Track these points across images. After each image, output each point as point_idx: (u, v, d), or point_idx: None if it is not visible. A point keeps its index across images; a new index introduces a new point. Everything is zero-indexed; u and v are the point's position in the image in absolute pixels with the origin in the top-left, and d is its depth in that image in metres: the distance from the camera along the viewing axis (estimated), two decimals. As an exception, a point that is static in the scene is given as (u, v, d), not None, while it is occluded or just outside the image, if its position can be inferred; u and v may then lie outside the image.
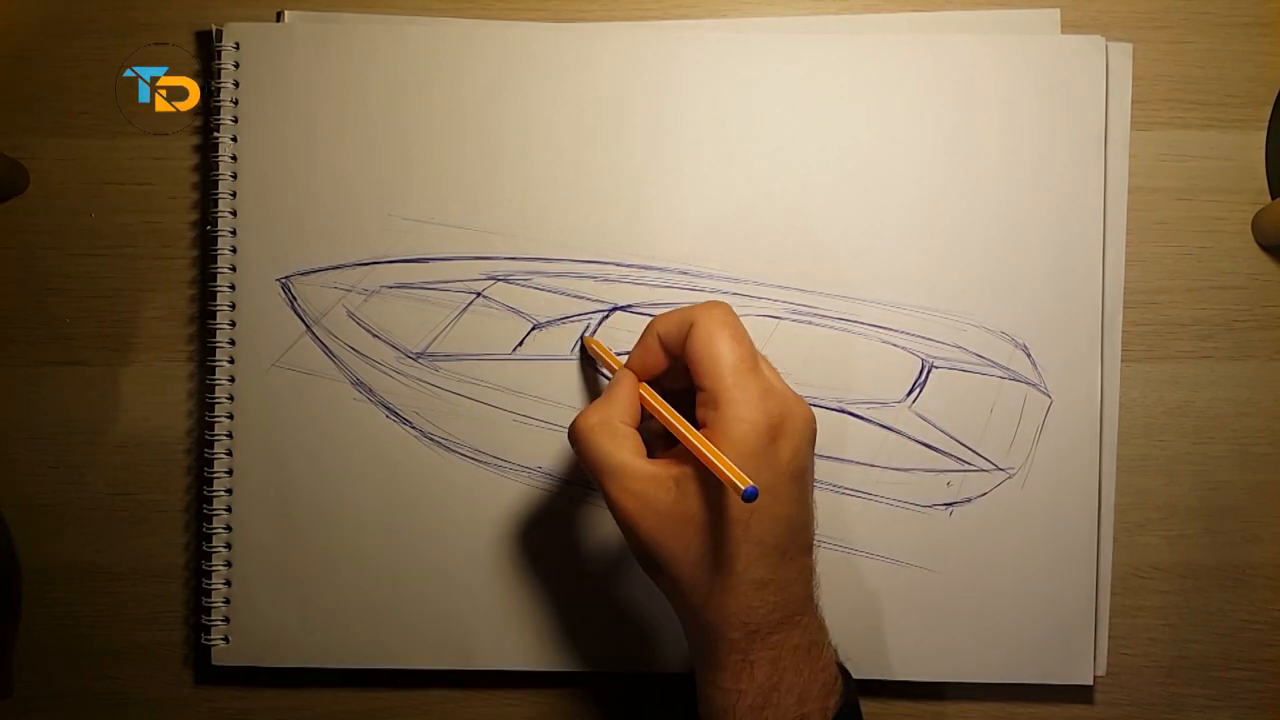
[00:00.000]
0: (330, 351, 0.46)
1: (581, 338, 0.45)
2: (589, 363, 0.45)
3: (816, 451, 0.43)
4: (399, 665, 0.46)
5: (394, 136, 0.46)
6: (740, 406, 0.35)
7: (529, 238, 0.46)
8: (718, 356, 0.36)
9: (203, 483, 0.46)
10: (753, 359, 0.36)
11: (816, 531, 0.44)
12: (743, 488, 0.32)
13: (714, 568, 0.35)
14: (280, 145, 0.46)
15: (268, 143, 0.46)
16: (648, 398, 0.39)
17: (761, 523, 0.35)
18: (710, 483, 0.35)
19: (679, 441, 0.36)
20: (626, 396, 0.39)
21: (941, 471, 0.45)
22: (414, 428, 0.46)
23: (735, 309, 0.38)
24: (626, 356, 0.41)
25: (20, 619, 0.47)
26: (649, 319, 0.39)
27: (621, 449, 0.36)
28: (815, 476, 0.44)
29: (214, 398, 0.46)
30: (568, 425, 0.38)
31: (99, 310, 0.47)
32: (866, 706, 0.46)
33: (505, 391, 0.46)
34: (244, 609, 0.46)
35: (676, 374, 0.39)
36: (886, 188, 0.45)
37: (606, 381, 0.45)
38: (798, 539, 0.37)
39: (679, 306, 0.39)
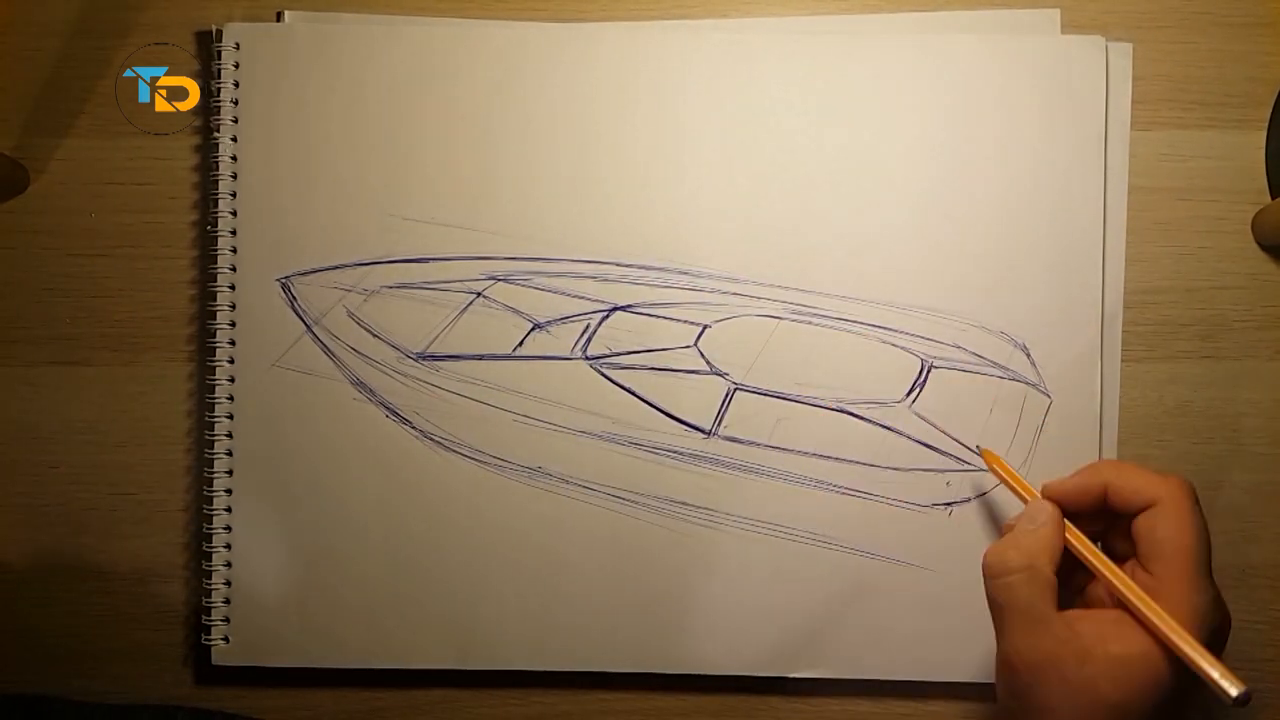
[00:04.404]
0: (330, 351, 0.46)
1: (979, 450, 0.44)
2: (595, 364, 0.45)
3: (817, 452, 0.43)
4: (399, 665, 0.46)
5: (394, 136, 0.46)
6: (1199, 614, 0.34)
7: (529, 238, 0.46)
8: (1184, 550, 0.35)
9: (203, 483, 0.46)
10: (1209, 559, 0.35)
11: (817, 531, 0.44)
12: (1234, 693, 0.29)
13: None
14: (280, 145, 0.46)
15: (268, 143, 0.46)
16: (1088, 554, 0.37)
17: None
18: (1132, 674, 0.33)
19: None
20: (1053, 541, 0.37)
21: (941, 471, 0.45)
22: (414, 428, 0.46)
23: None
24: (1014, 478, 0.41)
25: None
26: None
27: (1045, 599, 0.35)
28: (816, 476, 0.45)
29: (214, 398, 0.46)
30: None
31: (99, 310, 0.47)
32: (865, 706, 0.46)
33: (505, 391, 0.45)
34: (244, 609, 0.46)
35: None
36: (886, 187, 0.45)
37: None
38: None
39: (1135, 465, 0.38)
